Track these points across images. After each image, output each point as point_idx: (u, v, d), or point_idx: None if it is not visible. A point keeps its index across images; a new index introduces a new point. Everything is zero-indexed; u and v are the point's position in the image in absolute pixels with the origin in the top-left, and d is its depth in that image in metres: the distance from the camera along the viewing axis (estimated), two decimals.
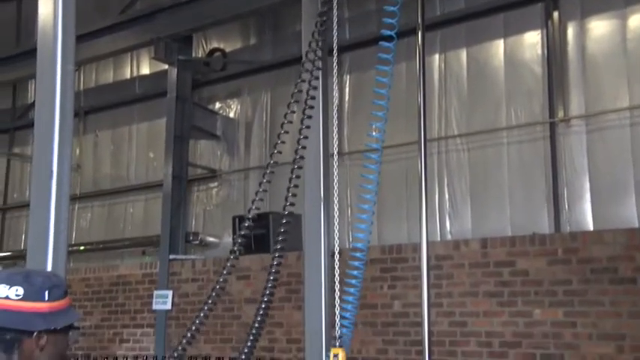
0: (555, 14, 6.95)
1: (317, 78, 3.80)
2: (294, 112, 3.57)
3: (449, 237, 7.17)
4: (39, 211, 3.29)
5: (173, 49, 8.81)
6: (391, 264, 6.83)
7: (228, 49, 9.38)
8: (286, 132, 3.50)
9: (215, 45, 9.45)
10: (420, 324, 5.41)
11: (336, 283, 3.72)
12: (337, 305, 3.65)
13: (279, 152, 3.51)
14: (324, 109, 4.13)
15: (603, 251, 5.86)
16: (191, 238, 8.83)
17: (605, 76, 6.70)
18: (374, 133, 3.95)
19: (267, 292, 3.15)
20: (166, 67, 9.01)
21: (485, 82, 7.34)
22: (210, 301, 3.22)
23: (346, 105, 8.07)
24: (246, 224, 3.49)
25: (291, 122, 3.54)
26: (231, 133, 9.16)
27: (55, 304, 1.98)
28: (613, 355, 5.65)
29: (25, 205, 9.82)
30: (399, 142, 7.15)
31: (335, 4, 3.91)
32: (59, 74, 3.35)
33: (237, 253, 3.48)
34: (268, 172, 3.41)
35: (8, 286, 1.93)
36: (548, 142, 6.86)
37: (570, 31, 6.93)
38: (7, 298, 1.92)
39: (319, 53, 3.83)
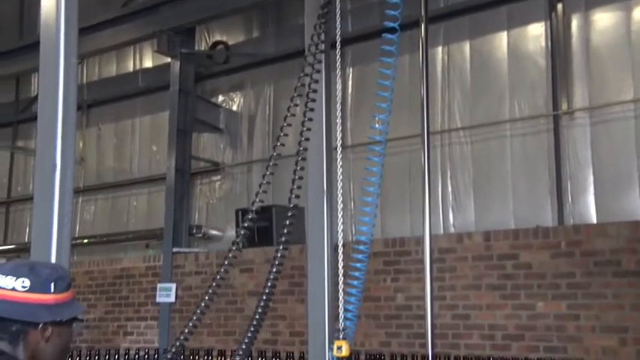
0: (559, 6, 6.93)
1: (320, 71, 3.80)
2: (297, 105, 3.57)
3: (452, 230, 7.17)
4: (42, 205, 3.29)
5: (176, 42, 8.80)
6: (394, 257, 6.83)
7: (230, 42, 9.37)
8: (289, 125, 3.50)
9: (218, 38, 9.44)
10: (423, 317, 5.42)
11: (340, 276, 3.73)
12: (341, 298, 3.66)
13: (282, 145, 3.51)
14: (327, 102, 4.12)
15: (606, 244, 5.85)
16: (194, 231, 8.85)
17: (609, 69, 6.68)
18: (377, 126, 3.95)
19: (269, 283, 3.16)
20: (169, 60, 9.00)
21: (488, 74, 7.32)
22: (210, 291, 3.22)
23: (349, 98, 8.06)
24: (250, 216, 3.49)
25: (294, 115, 3.54)
26: (234, 126, 9.16)
27: (60, 296, 1.99)
28: (616, 347, 5.66)
29: (29, 199, 9.85)
30: (402, 135, 7.14)
31: None
32: (62, 67, 3.35)
33: (240, 245, 3.49)
34: (271, 164, 3.41)
35: (15, 278, 1.94)
36: (551, 135, 6.85)
37: (574, 23, 6.90)
38: (13, 289, 1.93)
39: (322, 46, 3.82)
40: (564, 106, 6.81)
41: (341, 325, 3.62)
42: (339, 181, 3.96)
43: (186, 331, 3.16)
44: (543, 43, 7.03)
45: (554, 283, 6.00)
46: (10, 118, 11.56)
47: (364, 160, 4.06)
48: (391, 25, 3.77)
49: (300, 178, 3.50)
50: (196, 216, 9.20)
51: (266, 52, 8.95)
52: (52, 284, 1.97)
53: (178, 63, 8.83)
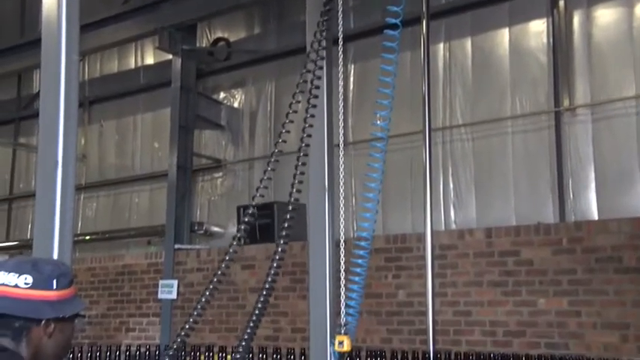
0: (561, 2, 6.92)
1: (322, 68, 3.79)
2: (299, 101, 3.57)
3: (453, 226, 7.17)
4: (45, 201, 3.29)
5: (177, 39, 8.81)
6: (396, 253, 6.84)
7: (232, 39, 9.37)
8: (291, 121, 3.50)
9: (219, 34, 9.44)
10: (425, 313, 5.44)
11: (341, 272, 3.73)
12: (342, 294, 3.66)
13: (284, 141, 3.51)
14: (328, 99, 4.12)
15: (608, 240, 5.85)
16: (196, 227, 8.86)
17: (611, 65, 6.68)
18: (379, 122, 3.95)
19: (270, 279, 3.16)
20: (170, 57, 9.00)
21: (490, 71, 7.32)
22: (211, 287, 3.23)
23: (351, 95, 8.06)
24: (250, 211, 3.49)
25: (295, 112, 3.54)
26: (235, 123, 9.16)
27: (63, 293, 2.00)
28: (617, 344, 5.66)
29: (31, 195, 9.86)
30: (403, 132, 7.13)
31: None
32: (64, 64, 3.35)
33: (241, 240, 3.49)
34: (273, 160, 3.41)
35: (17, 275, 1.95)
36: (553, 132, 6.84)
37: (576, 20, 6.89)
38: (16, 286, 1.94)
39: (324, 43, 3.82)
40: (566, 103, 6.80)
41: (342, 320, 3.63)
42: (341, 177, 3.96)
43: (187, 327, 3.17)
44: (545, 40, 7.02)
45: (555, 280, 6.01)
46: (12, 114, 11.57)
47: (365, 157, 4.06)
48: (393, 21, 3.76)
49: (302, 173, 3.50)
50: (198, 213, 9.21)
51: (267, 49, 8.94)
52: (55, 281, 1.98)
53: (180, 60, 8.83)
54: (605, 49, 6.72)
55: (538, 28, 7.09)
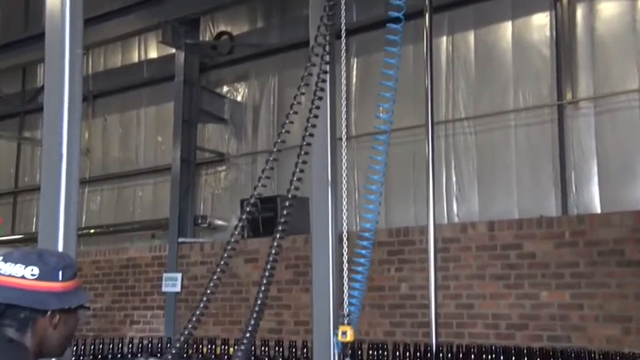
0: None
1: (327, 62, 3.80)
2: (303, 93, 3.57)
3: (456, 220, 7.18)
4: (49, 195, 3.32)
5: (180, 33, 8.81)
6: (398, 247, 6.86)
7: (235, 33, 9.37)
8: (295, 112, 3.50)
9: (222, 28, 9.44)
10: (427, 306, 5.47)
11: (344, 265, 3.75)
12: (345, 287, 3.68)
13: (287, 132, 3.51)
14: (331, 92, 4.12)
15: (610, 234, 5.86)
16: (199, 221, 8.89)
17: (614, 58, 6.66)
18: (381, 115, 3.95)
19: (267, 273, 3.17)
20: (174, 50, 9.01)
21: (492, 64, 7.31)
22: (215, 277, 3.24)
23: (353, 88, 8.07)
24: (252, 201, 3.50)
25: (299, 103, 3.54)
26: (238, 117, 9.18)
27: (68, 284, 2.02)
28: (619, 336, 5.68)
29: (36, 189, 9.89)
30: (406, 125, 7.14)
31: None
32: (67, 58, 3.37)
33: (243, 230, 3.50)
34: (275, 150, 3.42)
35: (24, 266, 1.97)
36: (556, 125, 6.84)
37: (579, 13, 6.88)
38: (22, 277, 1.96)
39: (328, 37, 3.82)
40: (569, 96, 6.80)
41: (345, 310, 3.65)
42: (344, 170, 3.97)
43: (194, 319, 3.19)
44: (548, 33, 7.01)
45: (557, 273, 6.02)
46: (17, 108, 11.60)
47: (368, 150, 4.07)
48: (395, 14, 3.77)
49: (304, 163, 3.50)
50: (201, 206, 9.24)
51: (270, 43, 8.94)
52: (60, 272, 2.00)
53: (183, 54, 8.84)
54: (608, 42, 6.71)
55: (541, 22, 7.08)
